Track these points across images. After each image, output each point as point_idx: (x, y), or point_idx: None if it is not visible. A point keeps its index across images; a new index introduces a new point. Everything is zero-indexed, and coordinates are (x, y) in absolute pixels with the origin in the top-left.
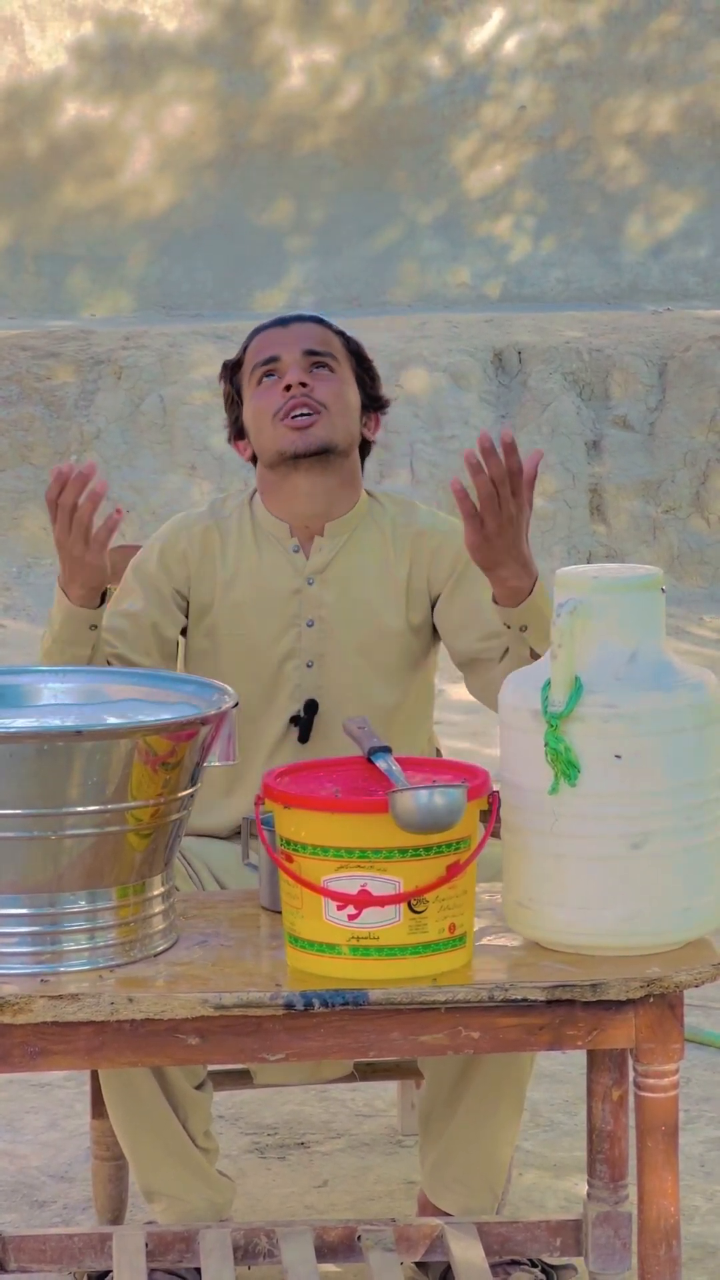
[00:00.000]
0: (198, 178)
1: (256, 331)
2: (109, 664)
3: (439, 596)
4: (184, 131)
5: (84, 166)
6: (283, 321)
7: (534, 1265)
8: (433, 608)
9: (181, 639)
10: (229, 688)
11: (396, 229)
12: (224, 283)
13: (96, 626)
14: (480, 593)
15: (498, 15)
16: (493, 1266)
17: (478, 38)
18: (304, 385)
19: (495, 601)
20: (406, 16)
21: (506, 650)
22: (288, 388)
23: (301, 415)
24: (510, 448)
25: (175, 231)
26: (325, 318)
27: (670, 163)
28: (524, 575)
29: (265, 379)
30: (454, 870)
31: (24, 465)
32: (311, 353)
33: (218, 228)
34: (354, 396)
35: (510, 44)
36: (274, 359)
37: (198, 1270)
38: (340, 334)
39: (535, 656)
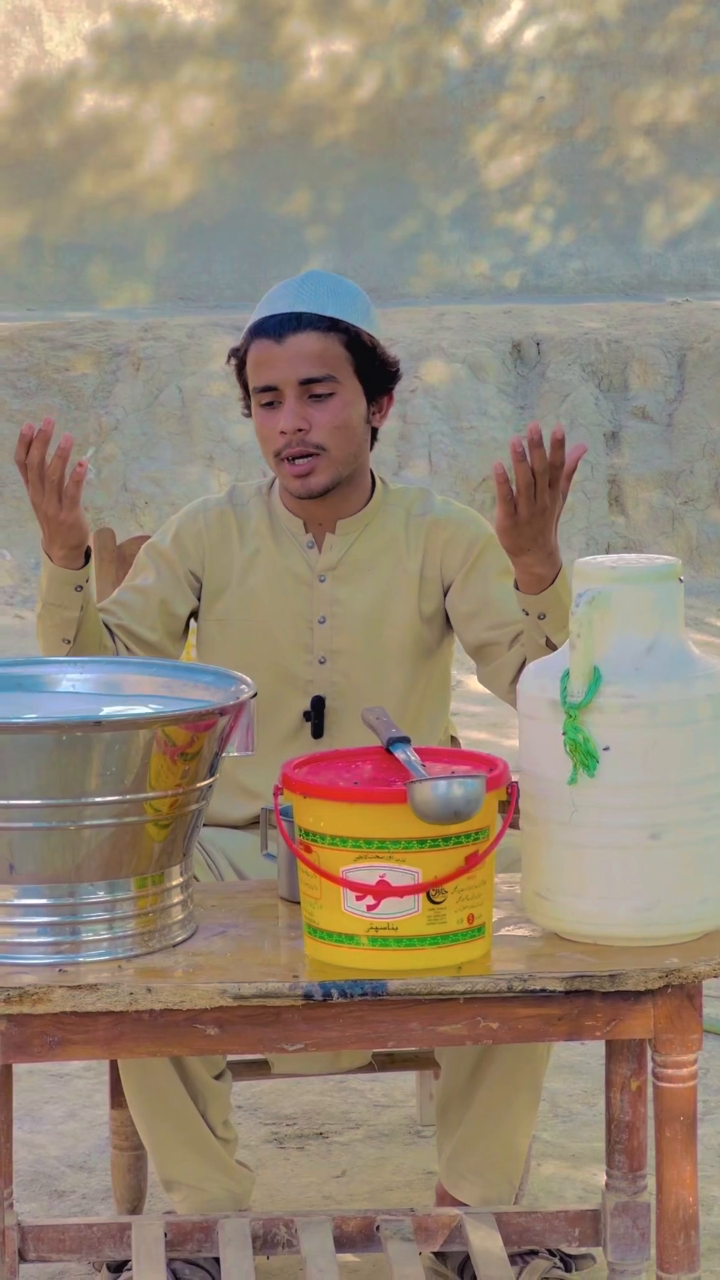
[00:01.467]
0: (216, 169)
1: (255, 333)
2: (112, 634)
3: (451, 585)
4: (202, 122)
5: (102, 158)
6: (279, 333)
7: (552, 1255)
8: (445, 596)
9: (193, 623)
10: (247, 678)
11: (415, 220)
12: (242, 274)
13: (82, 588)
14: (492, 582)
15: (517, 6)
16: (511, 1256)
17: (497, 28)
18: (300, 431)
19: (516, 587)
20: (425, 7)
21: (517, 636)
22: (284, 432)
23: (301, 460)
24: (559, 443)
25: (194, 222)
26: (323, 309)
27: (689, 153)
28: (548, 564)
29: (265, 405)
30: (473, 861)
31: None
32: (308, 381)
33: (236, 219)
34: (356, 412)
35: (529, 34)
36: (271, 387)
37: (216, 1260)
38: (339, 327)
39: (551, 647)
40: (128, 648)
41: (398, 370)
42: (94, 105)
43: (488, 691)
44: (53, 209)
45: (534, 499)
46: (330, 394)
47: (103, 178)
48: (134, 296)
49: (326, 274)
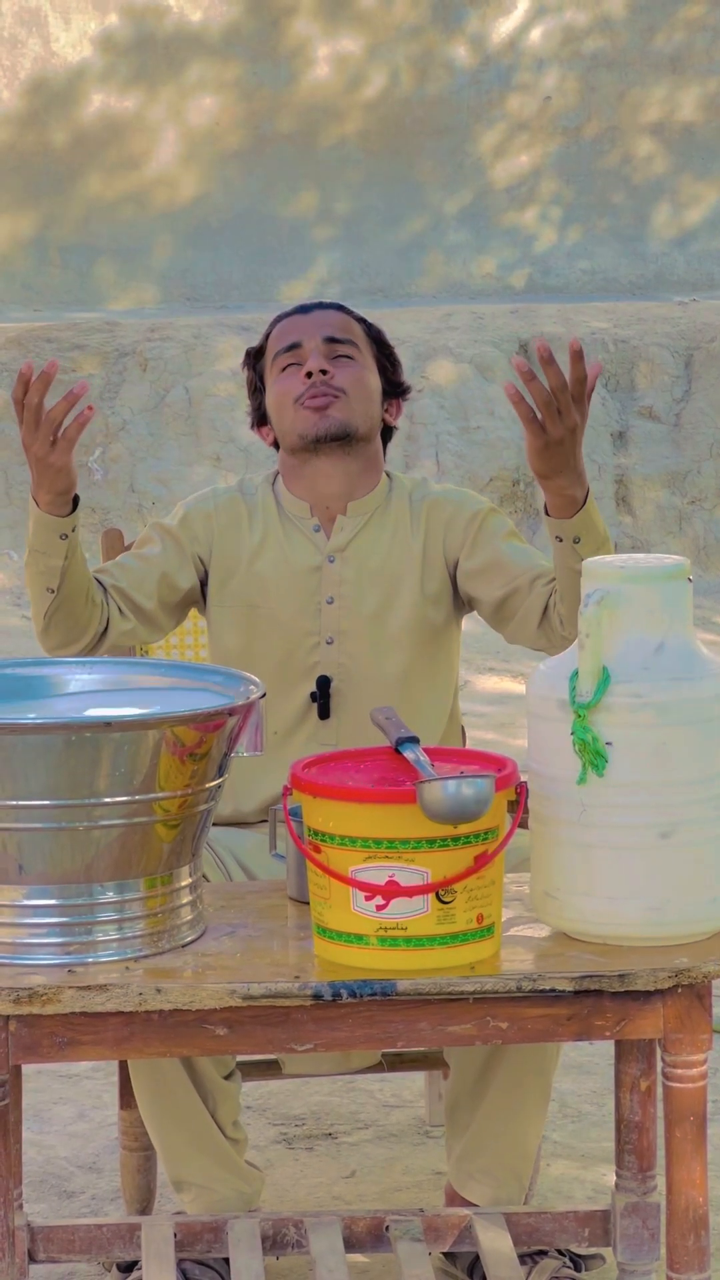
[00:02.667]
0: (223, 169)
1: (279, 319)
2: (106, 593)
3: (458, 561)
4: (209, 122)
5: (109, 158)
6: (304, 309)
7: (561, 1254)
8: (454, 575)
9: (199, 609)
10: (255, 678)
11: (422, 220)
12: (249, 274)
13: (67, 536)
14: (500, 543)
15: (523, 5)
16: (520, 1256)
17: (503, 28)
18: (324, 373)
19: (547, 514)
20: (431, 6)
21: (535, 580)
22: (309, 375)
23: (321, 398)
24: (577, 355)
25: (201, 223)
26: (347, 306)
27: (696, 152)
28: (579, 484)
29: (288, 366)
30: (482, 860)
31: None
32: (333, 340)
33: (243, 219)
34: (375, 383)
35: (535, 34)
36: (296, 345)
37: (226, 1260)
38: (362, 321)
39: None
40: (120, 610)
41: (408, 388)
42: (101, 105)
43: (497, 691)
44: (59, 209)
45: (560, 419)
46: (352, 358)
47: (110, 178)
48: (141, 297)
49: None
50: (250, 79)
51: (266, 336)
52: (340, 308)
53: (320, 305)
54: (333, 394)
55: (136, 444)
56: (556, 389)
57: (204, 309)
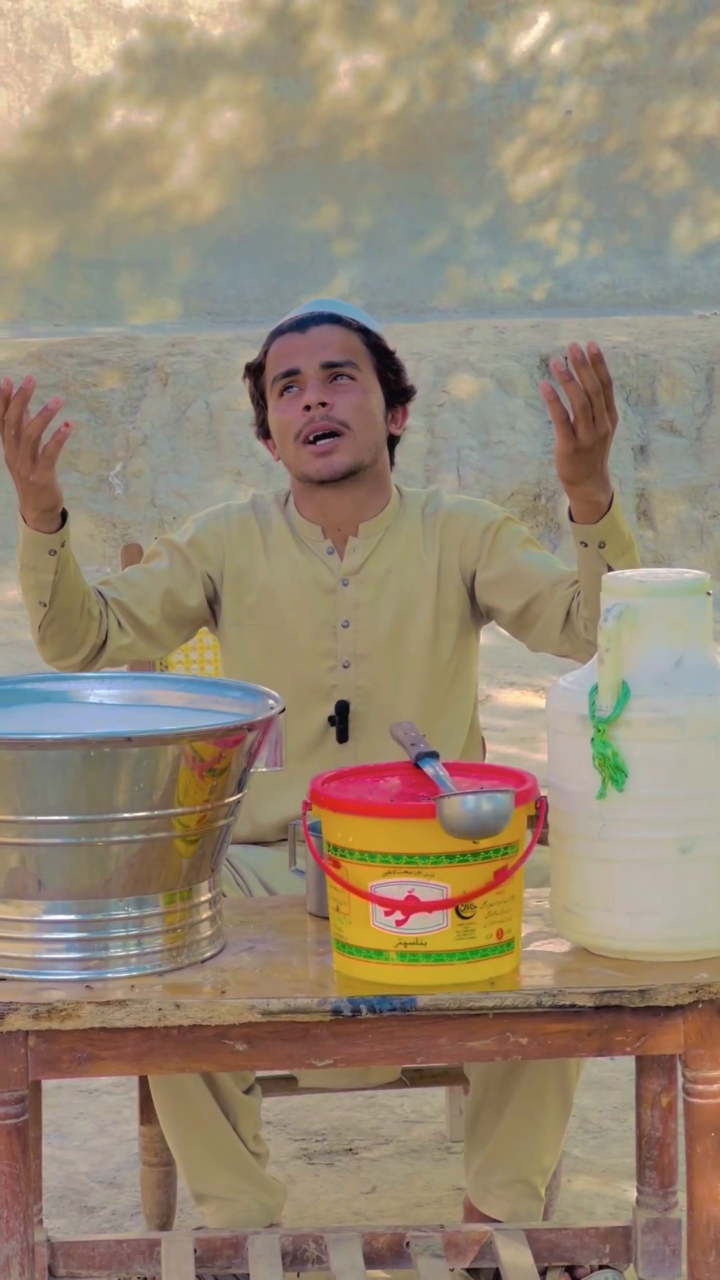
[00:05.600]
0: (244, 183)
1: (276, 334)
2: (107, 605)
3: (475, 573)
4: (230, 137)
5: (130, 173)
6: (301, 326)
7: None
8: (471, 587)
9: (210, 628)
10: (275, 693)
11: (443, 234)
12: (270, 288)
13: (56, 552)
14: (517, 552)
15: (544, 19)
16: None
17: (524, 42)
18: (324, 405)
19: (572, 519)
20: (453, 21)
21: (556, 585)
22: (307, 407)
23: (324, 439)
24: (597, 359)
25: (221, 237)
26: (344, 313)
27: (717, 165)
28: (604, 491)
29: (286, 391)
30: (502, 875)
31: (71, 472)
32: (330, 365)
33: (264, 233)
34: (377, 403)
35: (556, 48)
36: (294, 372)
37: (246, 1276)
38: (361, 330)
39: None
40: (119, 623)
41: (413, 389)
42: (122, 120)
43: (516, 705)
44: (81, 224)
45: (593, 425)
46: (352, 379)
47: (131, 192)
48: (162, 311)
49: (339, 300)
50: (271, 93)
51: (265, 352)
52: (337, 319)
53: (317, 318)
54: (334, 429)
55: (157, 459)
56: (592, 392)
57: (225, 323)
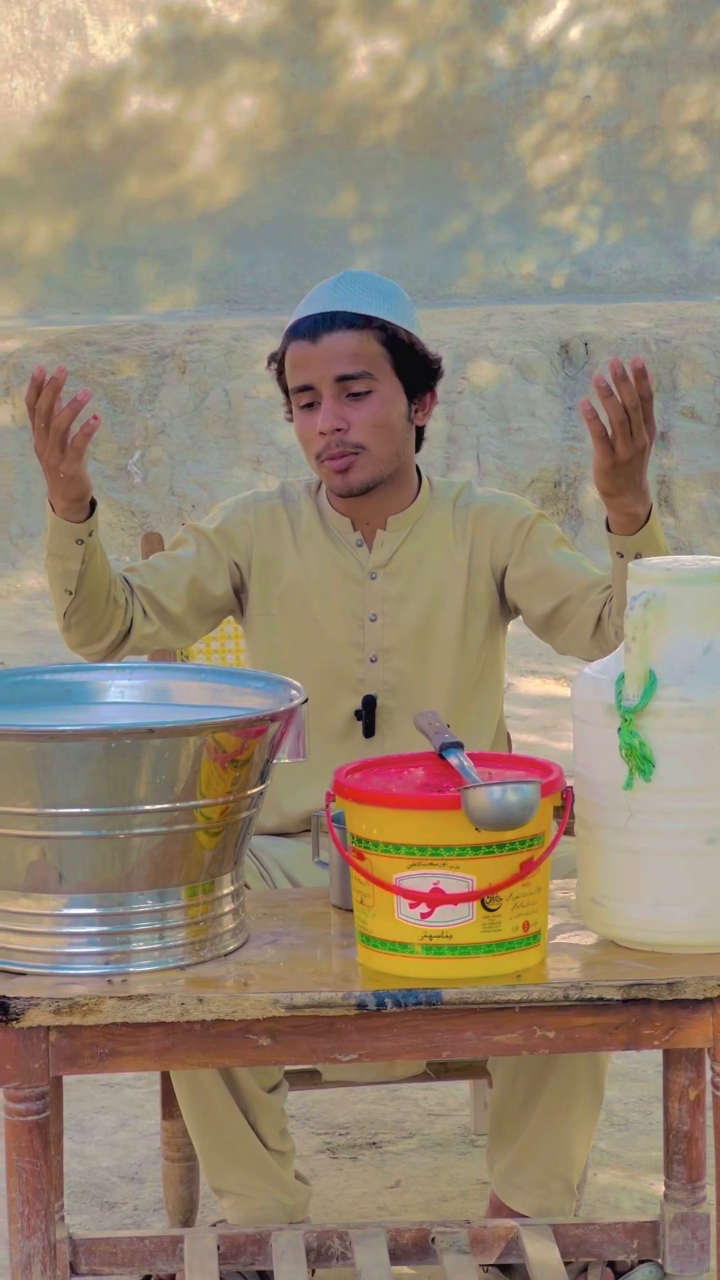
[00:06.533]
0: (262, 170)
1: (292, 334)
2: (133, 592)
3: (505, 569)
4: (248, 123)
5: (148, 160)
6: (313, 334)
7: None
8: (501, 583)
9: (235, 618)
10: (297, 684)
11: (461, 220)
12: (288, 275)
13: (83, 541)
14: (549, 551)
15: (562, 3)
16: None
17: (542, 27)
18: (339, 430)
19: (610, 530)
20: (470, 6)
21: (588, 589)
22: (322, 433)
23: (341, 459)
24: (641, 373)
25: (239, 224)
26: (358, 306)
27: None
28: (642, 501)
29: (304, 404)
30: (528, 867)
31: (89, 461)
32: (344, 378)
33: (282, 220)
34: (396, 410)
35: (575, 32)
36: (308, 387)
37: (269, 1273)
38: (378, 327)
39: None
40: (144, 612)
41: (439, 367)
42: (139, 107)
43: (541, 694)
44: (98, 212)
45: (631, 438)
46: (368, 391)
47: (148, 180)
48: (180, 299)
49: (363, 273)
50: (289, 80)
51: (284, 352)
52: (350, 322)
53: (329, 321)
54: (351, 453)
55: (176, 447)
56: (630, 407)
57: (243, 311)
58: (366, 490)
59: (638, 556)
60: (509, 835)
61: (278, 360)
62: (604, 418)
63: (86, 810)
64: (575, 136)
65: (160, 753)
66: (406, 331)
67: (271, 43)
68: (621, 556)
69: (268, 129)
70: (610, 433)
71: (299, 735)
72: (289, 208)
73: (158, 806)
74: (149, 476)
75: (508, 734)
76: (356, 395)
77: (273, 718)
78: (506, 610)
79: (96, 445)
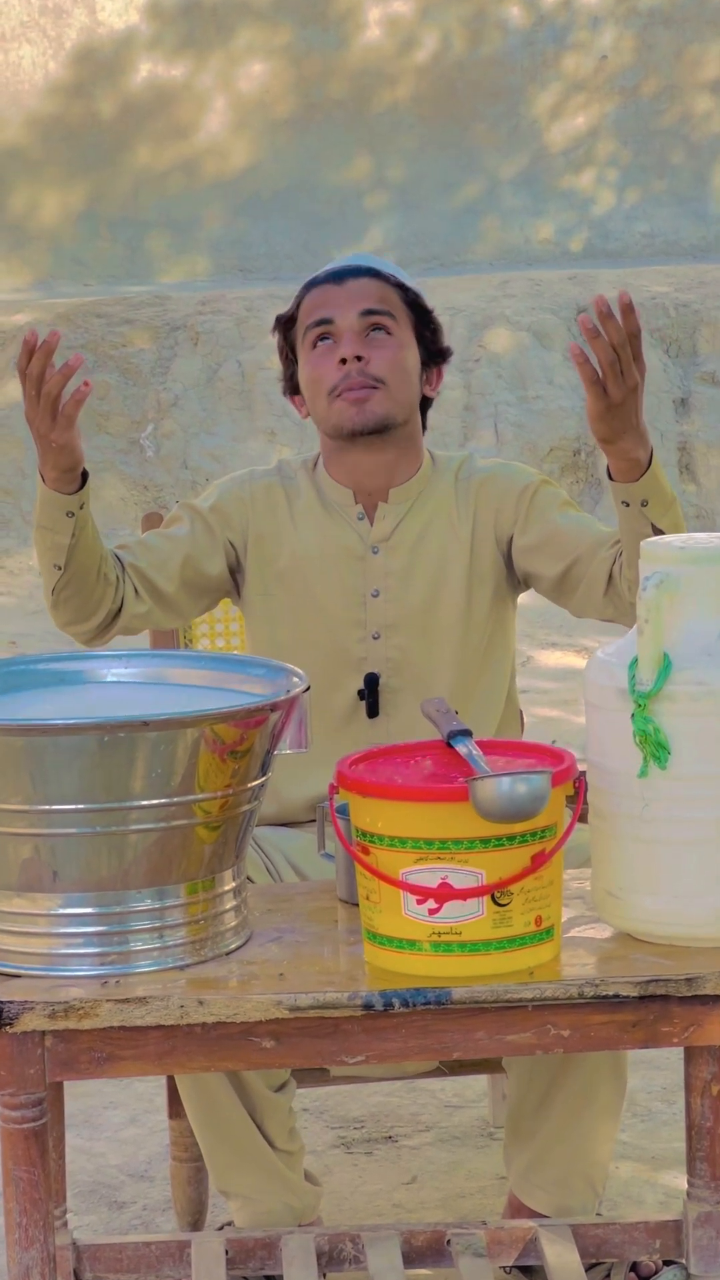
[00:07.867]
0: (274, 137)
1: (310, 285)
2: (124, 570)
3: (511, 538)
4: (259, 90)
5: (158, 128)
6: (337, 277)
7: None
8: (508, 554)
9: (232, 599)
10: (299, 670)
11: (477, 185)
12: (302, 244)
13: (74, 514)
14: (555, 515)
15: None
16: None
17: None
18: (360, 359)
19: (611, 478)
20: None
21: (598, 547)
22: (343, 361)
23: (360, 389)
24: (628, 309)
25: (252, 192)
26: (382, 268)
27: None
28: (642, 447)
29: (319, 342)
30: (539, 860)
31: (101, 434)
32: (369, 312)
33: (295, 187)
34: (413, 359)
35: None
36: (328, 320)
37: (280, 1277)
38: (399, 286)
39: (658, 533)
40: (136, 591)
41: (449, 349)
42: (149, 75)
43: (558, 667)
44: (108, 181)
45: (622, 378)
46: (389, 333)
47: (159, 148)
48: (192, 269)
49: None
50: (300, 44)
51: (298, 304)
52: (375, 273)
53: (355, 271)
54: (370, 385)
55: (189, 419)
56: (618, 345)
57: (256, 280)
58: (380, 430)
59: (644, 504)
60: (519, 827)
61: (287, 319)
62: (594, 360)
63: (81, 806)
64: (592, 97)
65: (156, 746)
66: (425, 301)
67: (282, 7)
68: (627, 505)
69: (279, 95)
70: (601, 374)
71: (301, 725)
72: (302, 175)
73: (155, 801)
74: (162, 450)
75: (520, 711)
76: (378, 332)
77: (273, 707)
78: (515, 583)
79: (108, 419)
